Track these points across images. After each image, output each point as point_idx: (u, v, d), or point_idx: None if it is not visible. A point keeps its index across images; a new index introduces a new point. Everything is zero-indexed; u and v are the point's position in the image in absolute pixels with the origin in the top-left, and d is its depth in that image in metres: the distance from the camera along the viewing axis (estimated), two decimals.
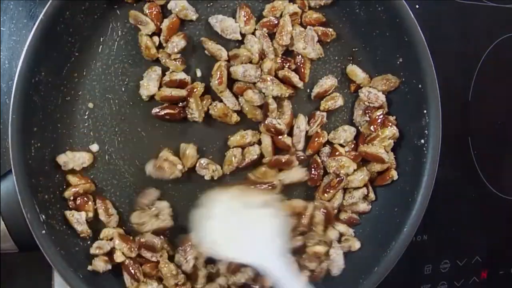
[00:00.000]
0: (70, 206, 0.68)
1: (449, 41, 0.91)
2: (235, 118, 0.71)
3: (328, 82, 0.74)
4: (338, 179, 0.73)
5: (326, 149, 0.76)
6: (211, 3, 0.71)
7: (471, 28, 0.92)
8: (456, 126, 0.91)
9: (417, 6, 0.86)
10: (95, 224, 0.69)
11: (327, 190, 0.74)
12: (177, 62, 0.69)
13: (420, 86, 0.72)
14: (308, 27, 0.72)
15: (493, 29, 0.94)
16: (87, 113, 0.69)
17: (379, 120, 0.74)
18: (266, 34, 0.71)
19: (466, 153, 0.92)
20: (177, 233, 0.71)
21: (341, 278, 0.75)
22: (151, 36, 0.69)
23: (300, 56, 0.73)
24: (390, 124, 0.74)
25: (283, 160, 0.72)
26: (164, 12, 0.69)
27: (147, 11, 0.68)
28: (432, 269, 0.91)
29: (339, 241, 0.76)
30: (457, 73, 0.92)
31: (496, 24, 0.94)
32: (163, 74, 0.69)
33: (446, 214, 0.91)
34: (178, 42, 0.68)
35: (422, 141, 0.72)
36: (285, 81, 0.72)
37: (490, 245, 0.95)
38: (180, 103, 0.70)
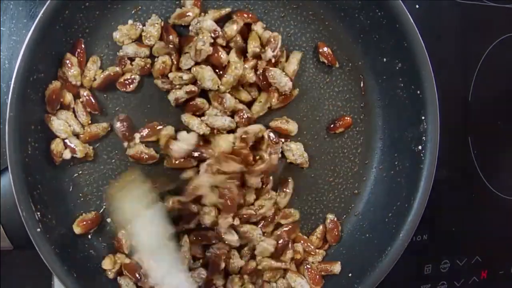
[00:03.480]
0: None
1: (449, 41, 0.91)
2: None
3: None
4: None
5: None
6: None
7: (471, 28, 0.92)
8: (456, 126, 0.91)
9: (417, 6, 0.87)
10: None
11: None
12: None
13: (418, 92, 0.71)
14: None
15: (493, 29, 0.94)
16: None
17: None
18: None
19: (466, 153, 0.92)
20: None
21: (336, 283, 0.75)
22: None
23: None
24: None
25: None
26: None
27: None
28: (432, 269, 0.91)
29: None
30: (457, 73, 0.92)
31: (496, 24, 0.94)
32: None
33: (446, 214, 0.91)
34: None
35: (420, 147, 0.72)
36: None
37: (490, 245, 0.94)
38: None
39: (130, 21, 0.69)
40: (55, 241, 0.64)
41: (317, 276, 0.75)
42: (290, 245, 0.75)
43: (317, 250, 0.77)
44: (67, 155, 0.67)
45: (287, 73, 0.72)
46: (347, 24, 0.75)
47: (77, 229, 0.68)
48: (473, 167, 0.93)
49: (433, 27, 0.88)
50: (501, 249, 0.96)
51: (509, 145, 0.95)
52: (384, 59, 0.74)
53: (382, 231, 0.74)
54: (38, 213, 0.63)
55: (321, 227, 0.77)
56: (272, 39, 0.71)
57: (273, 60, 0.71)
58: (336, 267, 0.75)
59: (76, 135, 0.68)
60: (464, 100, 0.92)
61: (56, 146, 0.66)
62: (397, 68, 0.73)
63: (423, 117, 0.71)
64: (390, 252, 0.71)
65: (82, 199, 0.70)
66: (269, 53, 0.70)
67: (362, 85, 0.77)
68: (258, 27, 0.72)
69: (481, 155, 0.93)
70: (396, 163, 0.76)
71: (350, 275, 0.74)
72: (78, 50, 0.68)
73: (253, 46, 0.71)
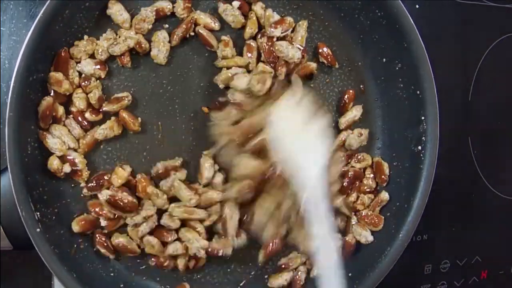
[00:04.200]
0: None
1: (449, 41, 0.91)
2: None
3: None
4: None
5: None
6: None
7: (471, 28, 0.92)
8: (456, 126, 0.91)
9: (417, 6, 0.87)
10: None
11: None
12: None
13: (418, 92, 0.72)
14: None
15: (493, 29, 0.94)
16: None
17: None
18: None
19: (466, 153, 0.92)
20: None
21: None
22: None
23: None
24: None
25: None
26: None
27: None
28: (432, 269, 0.91)
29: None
30: (457, 73, 0.92)
31: (496, 24, 0.94)
32: None
33: (446, 214, 0.91)
34: None
35: (420, 147, 0.72)
36: None
37: (490, 245, 0.95)
38: None
39: (86, 37, 0.68)
40: (55, 241, 0.64)
41: (374, 217, 0.75)
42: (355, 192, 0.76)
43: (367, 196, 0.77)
44: (67, 168, 0.67)
45: (296, 41, 0.72)
46: (347, 24, 0.75)
47: (75, 227, 0.67)
48: (473, 167, 0.93)
49: (433, 27, 0.88)
50: (501, 249, 0.96)
51: (509, 145, 0.95)
52: (384, 60, 0.74)
53: (382, 231, 0.74)
54: (38, 213, 0.63)
55: (369, 169, 0.77)
56: (286, 23, 0.71)
57: (274, 39, 0.71)
58: (384, 195, 0.75)
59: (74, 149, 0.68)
60: (464, 100, 0.92)
61: (51, 163, 0.66)
62: (397, 68, 0.73)
63: (422, 118, 0.71)
64: (389, 252, 0.71)
65: (82, 199, 0.70)
66: (277, 32, 0.71)
67: (361, 85, 0.77)
68: (257, 8, 0.72)
69: (481, 155, 0.93)
70: (395, 163, 0.76)
71: (350, 275, 0.74)
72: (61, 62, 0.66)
73: (248, 29, 0.72)
